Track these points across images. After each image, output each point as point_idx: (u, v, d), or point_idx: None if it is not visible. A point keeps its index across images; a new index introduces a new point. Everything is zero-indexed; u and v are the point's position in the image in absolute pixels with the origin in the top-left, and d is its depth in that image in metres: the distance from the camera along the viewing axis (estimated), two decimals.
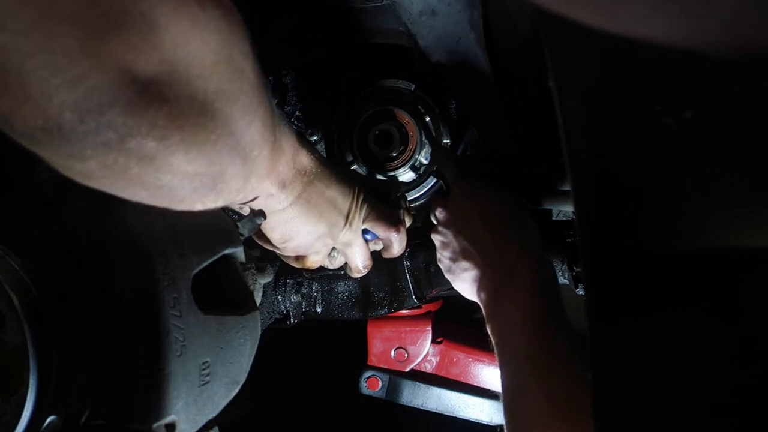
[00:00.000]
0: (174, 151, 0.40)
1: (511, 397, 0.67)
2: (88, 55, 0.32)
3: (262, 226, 0.73)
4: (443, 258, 0.82)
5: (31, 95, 0.32)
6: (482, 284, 0.74)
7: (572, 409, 0.60)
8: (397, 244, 0.85)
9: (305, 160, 0.68)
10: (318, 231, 0.74)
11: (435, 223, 0.85)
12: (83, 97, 0.33)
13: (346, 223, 0.76)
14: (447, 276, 0.82)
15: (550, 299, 0.69)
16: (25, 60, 0.30)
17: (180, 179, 0.43)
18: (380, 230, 0.82)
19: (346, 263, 0.87)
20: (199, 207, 0.49)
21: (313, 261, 0.82)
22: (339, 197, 0.74)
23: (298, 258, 0.81)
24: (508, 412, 0.67)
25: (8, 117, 0.33)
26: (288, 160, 0.63)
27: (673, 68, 0.41)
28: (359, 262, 0.84)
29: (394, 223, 0.83)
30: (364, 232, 0.82)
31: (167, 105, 0.37)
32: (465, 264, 0.77)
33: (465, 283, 0.78)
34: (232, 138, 0.45)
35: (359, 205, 0.77)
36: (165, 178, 0.42)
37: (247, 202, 0.66)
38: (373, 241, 0.86)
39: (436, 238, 0.83)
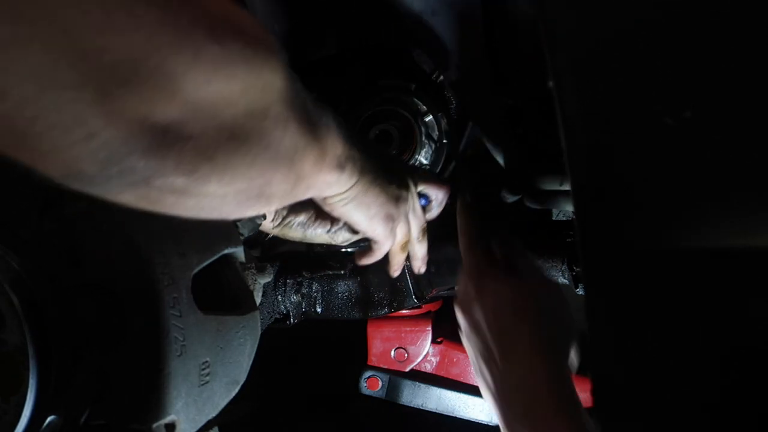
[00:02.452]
0: (206, 181, 0.40)
1: None
2: (97, 116, 0.32)
3: (347, 218, 0.67)
4: (468, 343, 0.73)
5: (44, 152, 0.33)
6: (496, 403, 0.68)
7: None
8: (437, 206, 0.81)
9: (350, 132, 0.62)
10: (395, 191, 0.70)
11: (463, 293, 0.76)
12: (98, 150, 0.33)
13: (406, 187, 0.73)
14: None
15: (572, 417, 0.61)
16: (32, 124, 0.31)
17: (221, 199, 0.43)
18: (434, 189, 0.78)
19: (364, 242, 0.79)
20: (251, 214, 0.49)
21: (406, 233, 0.75)
22: (389, 162, 0.71)
23: (397, 246, 0.76)
24: None
25: (31, 166, 0.34)
26: (337, 136, 0.57)
27: (672, 64, 0.41)
28: (419, 230, 0.78)
29: (443, 181, 0.81)
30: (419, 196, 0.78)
31: (192, 141, 0.37)
32: (485, 369, 0.69)
33: (483, 390, 0.71)
34: (270, 150, 0.44)
35: (407, 169, 0.75)
36: (204, 201, 0.42)
37: (314, 196, 0.61)
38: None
39: (463, 316, 0.74)
